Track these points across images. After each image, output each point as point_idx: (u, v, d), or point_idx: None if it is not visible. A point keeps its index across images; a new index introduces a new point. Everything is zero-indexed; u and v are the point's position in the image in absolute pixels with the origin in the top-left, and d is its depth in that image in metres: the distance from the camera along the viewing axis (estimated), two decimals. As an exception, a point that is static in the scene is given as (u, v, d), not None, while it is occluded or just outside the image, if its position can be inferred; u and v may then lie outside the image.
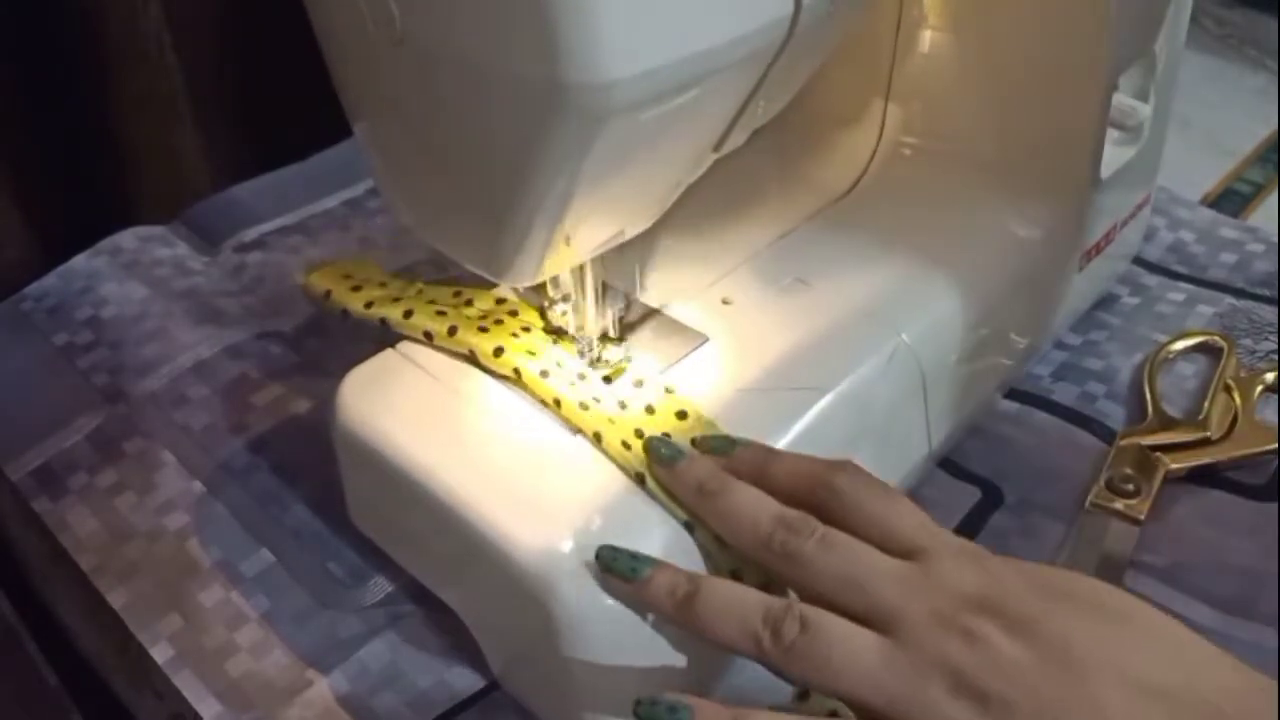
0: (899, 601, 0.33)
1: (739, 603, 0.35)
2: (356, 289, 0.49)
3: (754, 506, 0.37)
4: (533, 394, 0.43)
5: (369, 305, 0.47)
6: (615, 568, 0.36)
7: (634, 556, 0.36)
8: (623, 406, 0.42)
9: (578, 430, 0.41)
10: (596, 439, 0.40)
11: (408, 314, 0.46)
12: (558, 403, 0.42)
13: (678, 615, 0.35)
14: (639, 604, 0.37)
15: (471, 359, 0.44)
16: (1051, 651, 0.31)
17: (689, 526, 0.38)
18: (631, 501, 0.39)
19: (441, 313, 0.45)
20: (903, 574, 0.34)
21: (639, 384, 0.43)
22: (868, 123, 0.55)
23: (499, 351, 0.43)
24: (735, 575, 0.38)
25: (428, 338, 0.45)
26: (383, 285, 0.49)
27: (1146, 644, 0.31)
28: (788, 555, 0.35)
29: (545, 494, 0.39)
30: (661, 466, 0.39)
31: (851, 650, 0.32)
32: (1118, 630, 0.32)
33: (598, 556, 0.37)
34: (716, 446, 0.40)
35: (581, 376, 0.43)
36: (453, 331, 0.44)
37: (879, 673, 0.32)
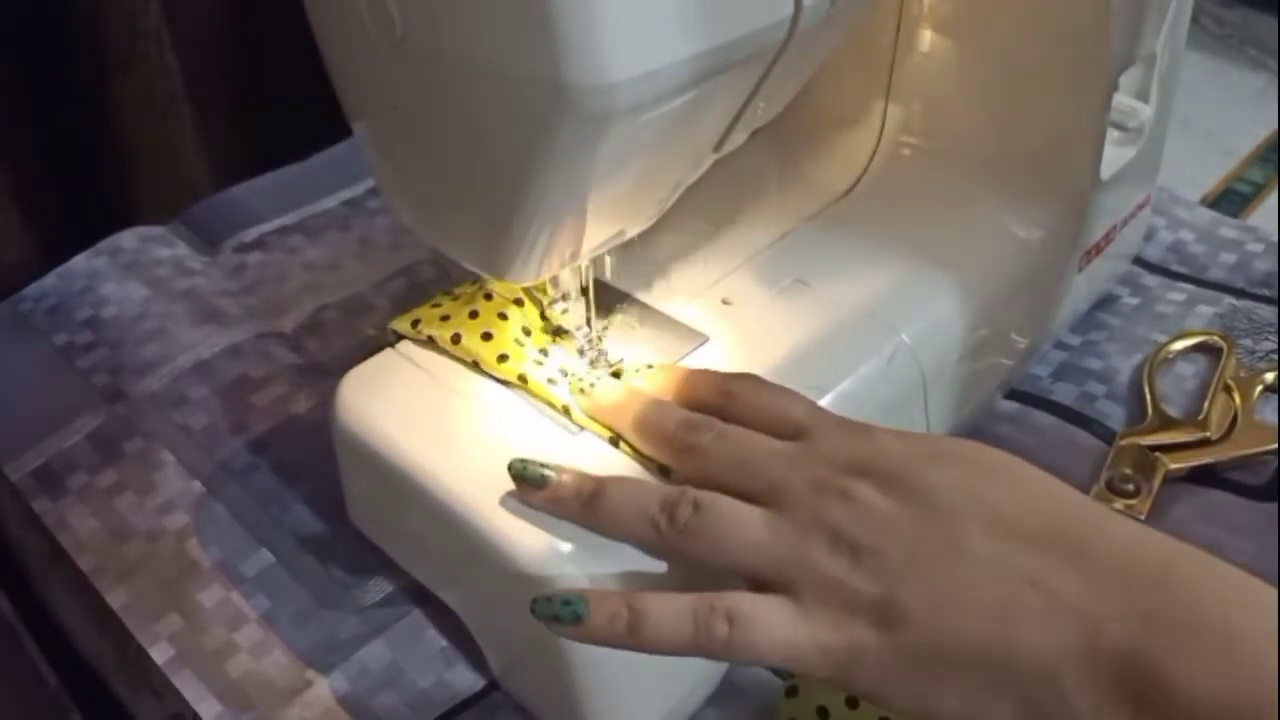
0: (783, 475, 0.35)
1: (638, 493, 0.37)
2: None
3: (655, 432, 0.39)
4: (539, 399, 0.43)
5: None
6: (527, 475, 0.38)
7: (543, 465, 0.38)
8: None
9: (581, 429, 0.41)
10: (614, 443, 0.40)
11: (456, 338, 0.45)
12: (566, 410, 0.42)
13: (583, 514, 0.37)
14: (550, 509, 0.38)
15: (475, 367, 0.44)
16: (919, 500, 0.33)
17: None
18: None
19: (445, 318, 0.45)
20: (788, 451, 0.36)
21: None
22: (868, 123, 0.55)
23: (503, 359, 0.43)
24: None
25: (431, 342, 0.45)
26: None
27: (1012, 490, 0.33)
28: (688, 449, 0.38)
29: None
30: (533, 488, 0.38)
31: (738, 522, 0.35)
32: (984, 479, 0.34)
33: (509, 469, 0.38)
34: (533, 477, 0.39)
35: (589, 385, 0.43)
36: (456, 340, 0.44)
37: (764, 540, 0.34)
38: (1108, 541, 0.31)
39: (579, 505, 0.37)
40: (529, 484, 0.38)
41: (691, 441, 0.38)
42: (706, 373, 0.42)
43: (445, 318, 0.45)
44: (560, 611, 0.34)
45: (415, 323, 0.45)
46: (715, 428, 0.38)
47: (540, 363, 0.44)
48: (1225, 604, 0.30)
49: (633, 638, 0.34)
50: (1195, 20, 0.88)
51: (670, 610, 0.34)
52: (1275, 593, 0.30)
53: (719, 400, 0.40)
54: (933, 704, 0.31)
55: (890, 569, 0.32)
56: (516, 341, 0.44)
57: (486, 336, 0.44)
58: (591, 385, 0.41)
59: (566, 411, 0.42)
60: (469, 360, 0.44)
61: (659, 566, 0.38)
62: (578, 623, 0.34)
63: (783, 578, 0.34)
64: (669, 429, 0.39)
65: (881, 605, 0.32)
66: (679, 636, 0.33)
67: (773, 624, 0.33)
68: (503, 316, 0.45)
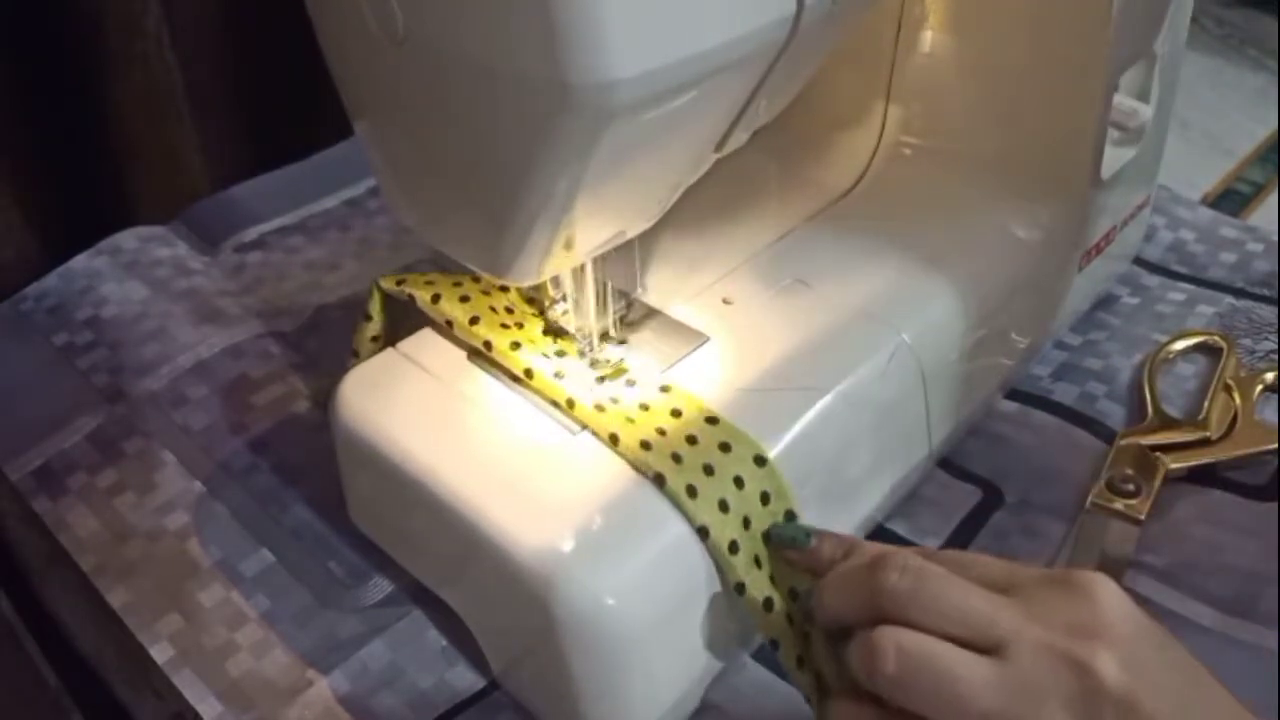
0: (1008, 628, 0.33)
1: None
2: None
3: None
4: (543, 395, 0.43)
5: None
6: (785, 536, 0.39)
7: (807, 531, 0.39)
8: (645, 409, 0.42)
9: (582, 428, 0.41)
10: (613, 440, 0.40)
11: (435, 298, 0.46)
12: (570, 404, 0.42)
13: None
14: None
15: (485, 350, 0.44)
16: (1150, 693, 0.31)
17: (733, 547, 0.39)
18: (632, 500, 0.39)
19: (465, 298, 0.46)
20: (1004, 600, 0.34)
21: (631, 384, 0.43)
22: (868, 123, 0.55)
23: (515, 346, 0.43)
24: (793, 593, 0.39)
25: (449, 325, 0.45)
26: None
27: (1224, 701, 0.32)
28: (882, 590, 0.35)
29: (545, 493, 0.39)
30: (792, 551, 0.39)
31: (961, 664, 0.32)
32: (1194, 686, 0.32)
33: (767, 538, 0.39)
34: (791, 538, 0.39)
35: (599, 379, 0.43)
36: (475, 321, 0.44)
37: (994, 687, 0.32)
38: None
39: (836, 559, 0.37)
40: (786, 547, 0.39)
41: (888, 583, 0.35)
42: (891, 550, 0.37)
43: (430, 283, 0.46)
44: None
45: (400, 281, 0.47)
46: (912, 564, 0.35)
47: (546, 354, 0.44)
48: None
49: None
50: (1195, 20, 0.88)
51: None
52: None
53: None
54: None
55: None
56: (492, 311, 0.45)
57: (464, 299, 0.44)
58: (799, 541, 0.39)
59: (570, 405, 0.41)
60: (443, 320, 0.45)
61: (662, 560, 0.38)
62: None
63: None
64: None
65: None
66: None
67: None
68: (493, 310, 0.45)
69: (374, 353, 0.47)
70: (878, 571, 0.34)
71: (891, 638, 0.33)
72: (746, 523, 0.39)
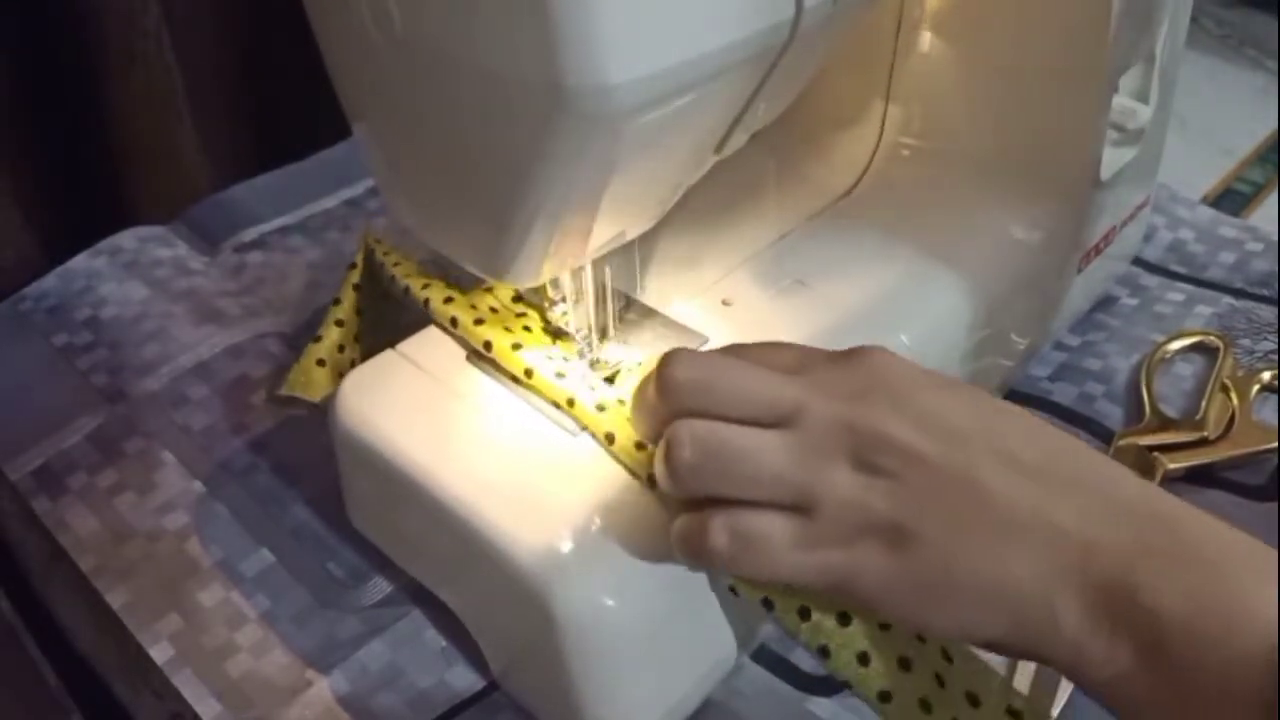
0: (795, 401, 0.35)
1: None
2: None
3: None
4: (542, 395, 0.43)
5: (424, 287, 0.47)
6: None
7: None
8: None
9: (582, 429, 0.41)
10: (609, 440, 0.40)
11: (447, 300, 0.46)
12: (570, 403, 0.42)
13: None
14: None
15: (485, 350, 0.44)
16: (933, 427, 0.33)
17: None
18: (631, 502, 0.39)
19: (471, 305, 0.46)
20: (791, 380, 0.36)
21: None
22: (867, 124, 0.55)
23: (516, 346, 0.43)
24: (766, 603, 0.38)
25: (453, 324, 0.45)
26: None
27: (1017, 422, 0.34)
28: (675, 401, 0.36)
29: (544, 494, 0.39)
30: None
31: (759, 450, 0.34)
32: (992, 410, 0.35)
33: None
34: None
35: (598, 383, 0.43)
36: (479, 322, 0.44)
37: (785, 466, 0.34)
38: (1107, 478, 0.33)
39: None
40: None
41: (675, 379, 0.36)
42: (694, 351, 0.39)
43: (427, 285, 0.47)
44: None
45: (387, 252, 0.48)
46: (700, 358, 0.37)
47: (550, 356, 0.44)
48: (1219, 544, 0.31)
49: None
50: (1195, 20, 0.88)
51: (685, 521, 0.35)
52: (1272, 551, 0.31)
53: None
54: (928, 620, 0.34)
55: (906, 494, 0.33)
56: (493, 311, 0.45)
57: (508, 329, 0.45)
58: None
59: (570, 404, 0.41)
60: (447, 319, 0.45)
61: (662, 569, 0.38)
62: None
63: (804, 500, 0.34)
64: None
65: (893, 528, 0.33)
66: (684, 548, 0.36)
67: (779, 541, 0.34)
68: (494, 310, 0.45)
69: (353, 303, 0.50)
70: (663, 368, 0.36)
71: (686, 428, 0.34)
72: None
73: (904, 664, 0.36)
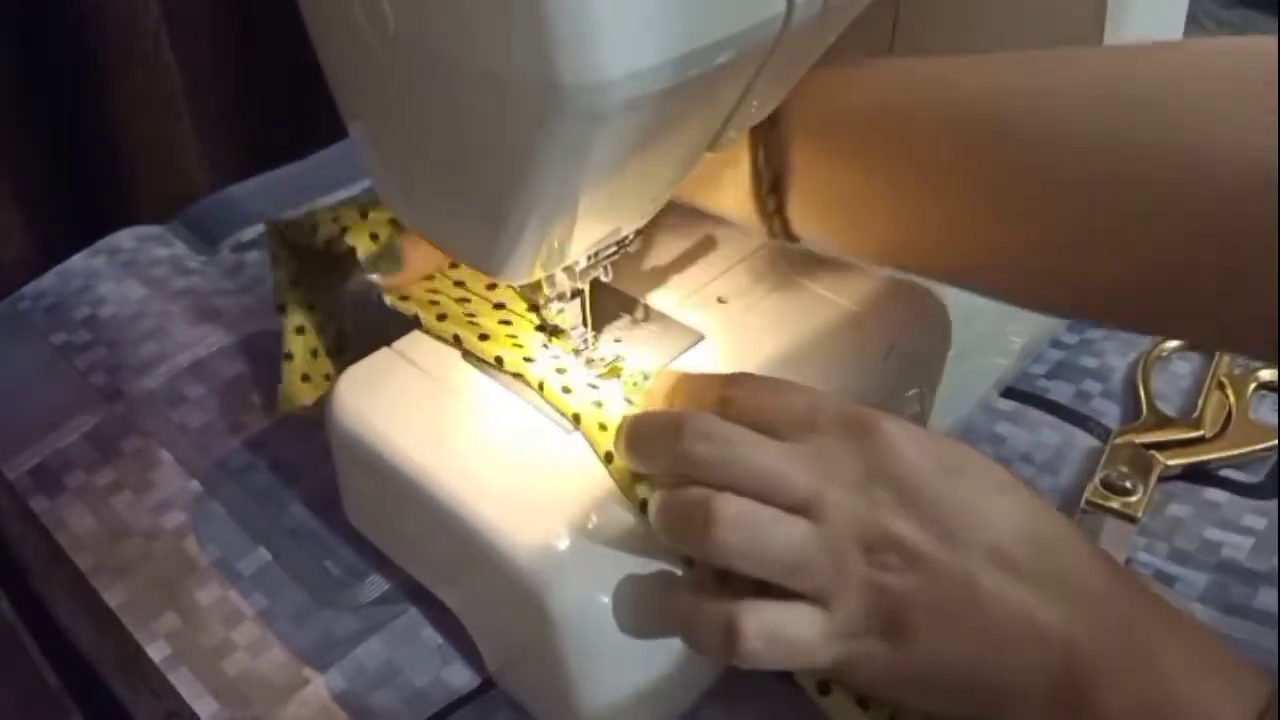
0: (810, 490, 0.36)
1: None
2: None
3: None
4: (538, 393, 0.43)
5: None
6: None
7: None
8: (630, 404, 0.42)
9: (576, 426, 0.41)
10: (607, 459, 0.40)
11: (441, 317, 0.46)
12: (566, 389, 0.42)
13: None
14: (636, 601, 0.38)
15: (496, 365, 0.44)
16: (936, 524, 0.35)
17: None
18: (627, 500, 0.39)
19: (465, 300, 0.46)
20: (801, 457, 0.36)
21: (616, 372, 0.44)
22: (864, 122, 0.55)
23: (514, 341, 0.44)
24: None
25: (456, 340, 0.45)
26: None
27: (1012, 517, 0.35)
28: (690, 459, 0.37)
29: (541, 492, 0.39)
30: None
31: (777, 526, 0.35)
32: (990, 504, 0.35)
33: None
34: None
35: (593, 385, 0.43)
36: (485, 338, 0.44)
37: (810, 551, 0.35)
38: (1089, 573, 0.35)
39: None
40: None
41: (696, 451, 0.37)
42: (701, 378, 0.41)
43: (434, 291, 0.47)
44: None
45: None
46: (719, 434, 0.37)
47: (530, 358, 0.44)
48: (1173, 650, 0.33)
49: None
50: (1195, 20, 0.87)
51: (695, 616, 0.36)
52: (1221, 654, 0.34)
53: (715, 407, 0.39)
54: (911, 702, 0.36)
55: (907, 589, 0.34)
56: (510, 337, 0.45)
57: (464, 300, 0.45)
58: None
59: (567, 390, 0.42)
60: (450, 336, 0.45)
61: (658, 567, 0.38)
62: None
63: (826, 592, 0.35)
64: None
65: (892, 620, 0.34)
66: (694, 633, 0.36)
67: (792, 629, 0.35)
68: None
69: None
70: (684, 439, 0.36)
71: (728, 506, 0.35)
72: None
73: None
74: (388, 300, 0.47)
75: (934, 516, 0.35)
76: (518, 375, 0.43)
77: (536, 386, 0.42)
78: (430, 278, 0.47)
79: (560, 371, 0.43)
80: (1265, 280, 0.32)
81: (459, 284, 0.48)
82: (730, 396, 0.39)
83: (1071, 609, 0.33)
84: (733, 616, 0.34)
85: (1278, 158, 0.31)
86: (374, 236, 0.47)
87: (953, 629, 0.34)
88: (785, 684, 0.43)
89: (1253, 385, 0.54)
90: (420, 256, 0.47)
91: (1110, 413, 0.54)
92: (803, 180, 0.41)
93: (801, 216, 0.42)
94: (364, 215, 0.48)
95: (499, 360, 0.43)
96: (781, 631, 0.35)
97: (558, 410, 0.42)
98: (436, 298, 0.47)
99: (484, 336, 0.44)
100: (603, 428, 0.40)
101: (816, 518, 0.35)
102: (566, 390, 0.42)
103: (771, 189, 0.41)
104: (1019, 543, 0.34)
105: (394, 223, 0.48)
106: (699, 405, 0.39)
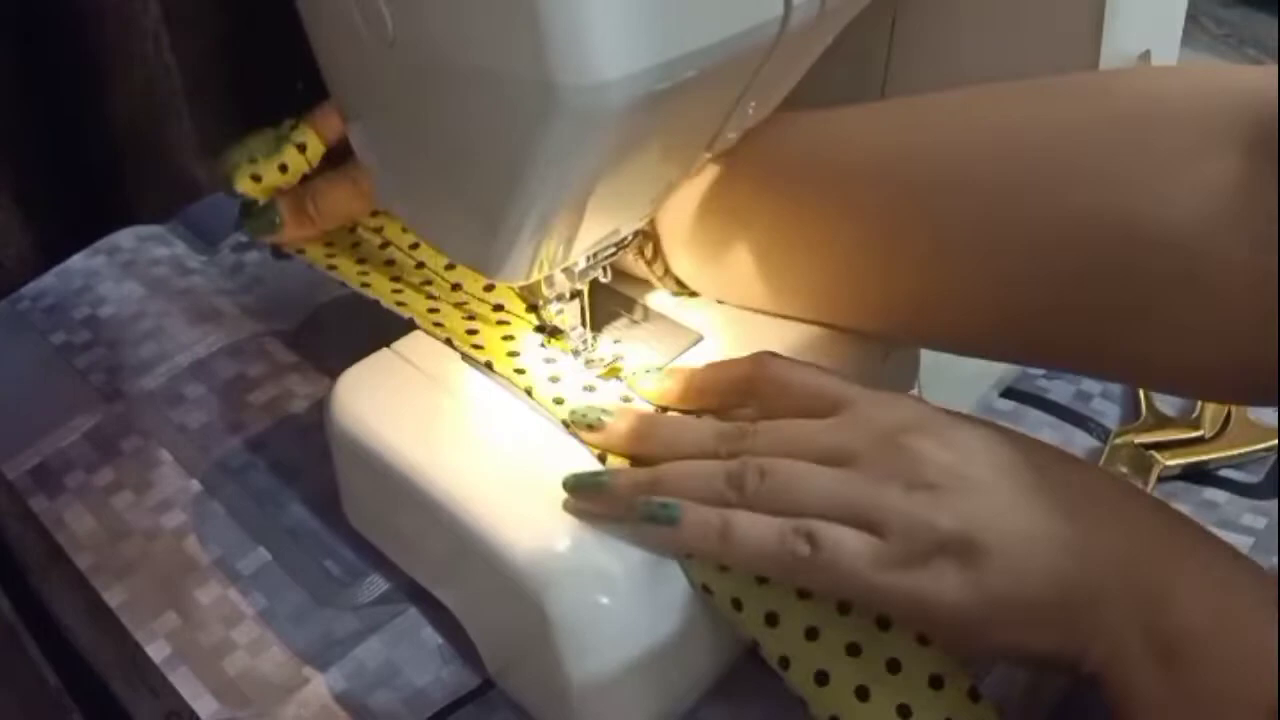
0: (840, 442, 0.36)
1: (698, 473, 0.37)
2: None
3: (692, 451, 0.39)
4: (537, 398, 0.43)
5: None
6: (581, 484, 0.38)
7: (597, 474, 0.39)
8: (626, 400, 0.42)
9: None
10: (601, 459, 0.40)
11: (432, 311, 0.46)
12: (559, 401, 0.42)
13: (641, 507, 0.37)
14: (613, 510, 0.38)
15: (489, 370, 0.44)
16: (973, 454, 0.35)
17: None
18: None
19: (463, 303, 0.46)
20: (834, 424, 0.37)
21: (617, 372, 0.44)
22: (863, 122, 0.55)
23: (488, 359, 0.44)
24: (735, 604, 0.38)
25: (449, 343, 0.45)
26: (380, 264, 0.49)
27: (1043, 451, 0.37)
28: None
29: (540, 492, 0.39)
30: (595, 495, 0.39)
31: (811, 476, 0.36)
32: (1014, 442, 0.36)
33: (565, 484, 0.38)
34: (592, 484, 0.39)
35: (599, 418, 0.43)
36: (473, 333, 0.45)
37: (839, 490, 0.35)
38: (1145, 505, 0.36)
39: (634, 493, 0.37)
40: (585, 492, 0.38)
41: (736, 450, 0.38)
42: (719, 369, 0.41)
43: (433, 301, 0.46)
44: (656, 513, 0.36)
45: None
46: (751, 429, 0.38)
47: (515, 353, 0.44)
48: (1227, 568, 0.34)
49: (722, 543, 0.36)
50: (1195, 20, 0.87)
51: (757, 526, 0.35)
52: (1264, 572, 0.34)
53: (741, 399, 0.40)
54: (991, 637, 0.35)
55: (968, 507, 0.34)
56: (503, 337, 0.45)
57: (461, 304, 0.45)
58: (600, 418, 0.40)
59: (563, 405, 0.42)
60: (444, 338, 0.45)
61: (657, 559, 0.38)
62: (672, 524, 0.36)
63: (863, 520, 0.34)
64: (707, 447, 0.38)
65: (963, 543, 0.33)
66: (762, 548, 0.35)
67: (856, 553, 0.34)
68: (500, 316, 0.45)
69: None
70: (734, 482, 0.36)
71: (803, 527, 0.35)
72: None
73: (861, 693, 0.36)
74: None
75: (970, 449, 0.35)
76: (491, 365, 0.43)
77: (524, 390, 0.42)
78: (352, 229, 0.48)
79: (554, 380, 0.43)
80: (1166, 325, 0.34)
81: (387, 244, 0.48)
82: (756, 384, 0.39)
83: (1133, 528, 0.34)
84: (767, 521, 0.35)
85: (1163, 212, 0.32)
86: (283, 168, 0.46)
87: (1029, 542, 0.34)
88: (787, 687, 0.43)
89: (1252, 385, 0.53)
90: (331, 206, 0.46)
91: (1110, 413, 0.54)
92: (682, 235, 0.42)
93: (687, 270, 0.43)
94: (277, 143, 0.46)
95: (489, 365, 0.44)
96: (827, 535, 0.34)
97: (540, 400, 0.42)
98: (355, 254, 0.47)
99: (397, 293, 0.44)
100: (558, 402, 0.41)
101: (841, 465, 0.36)
102: (559, 402, 0.42)
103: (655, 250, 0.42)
104: (1064, 477, 0.35)
105: (296, 151, 0.46)
106: (723, 396, 0.40)
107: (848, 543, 0.34)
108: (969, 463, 0.35)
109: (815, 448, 0.37)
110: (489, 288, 0.47)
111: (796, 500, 0.35)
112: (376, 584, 0.47)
